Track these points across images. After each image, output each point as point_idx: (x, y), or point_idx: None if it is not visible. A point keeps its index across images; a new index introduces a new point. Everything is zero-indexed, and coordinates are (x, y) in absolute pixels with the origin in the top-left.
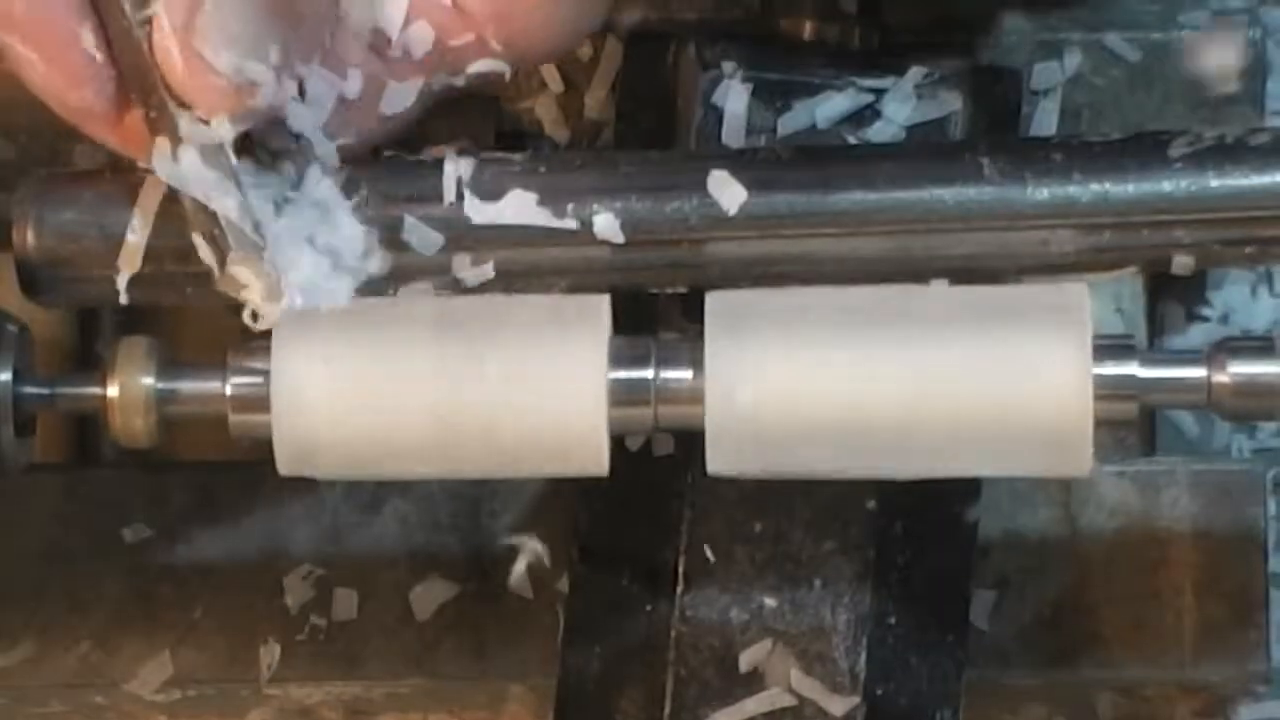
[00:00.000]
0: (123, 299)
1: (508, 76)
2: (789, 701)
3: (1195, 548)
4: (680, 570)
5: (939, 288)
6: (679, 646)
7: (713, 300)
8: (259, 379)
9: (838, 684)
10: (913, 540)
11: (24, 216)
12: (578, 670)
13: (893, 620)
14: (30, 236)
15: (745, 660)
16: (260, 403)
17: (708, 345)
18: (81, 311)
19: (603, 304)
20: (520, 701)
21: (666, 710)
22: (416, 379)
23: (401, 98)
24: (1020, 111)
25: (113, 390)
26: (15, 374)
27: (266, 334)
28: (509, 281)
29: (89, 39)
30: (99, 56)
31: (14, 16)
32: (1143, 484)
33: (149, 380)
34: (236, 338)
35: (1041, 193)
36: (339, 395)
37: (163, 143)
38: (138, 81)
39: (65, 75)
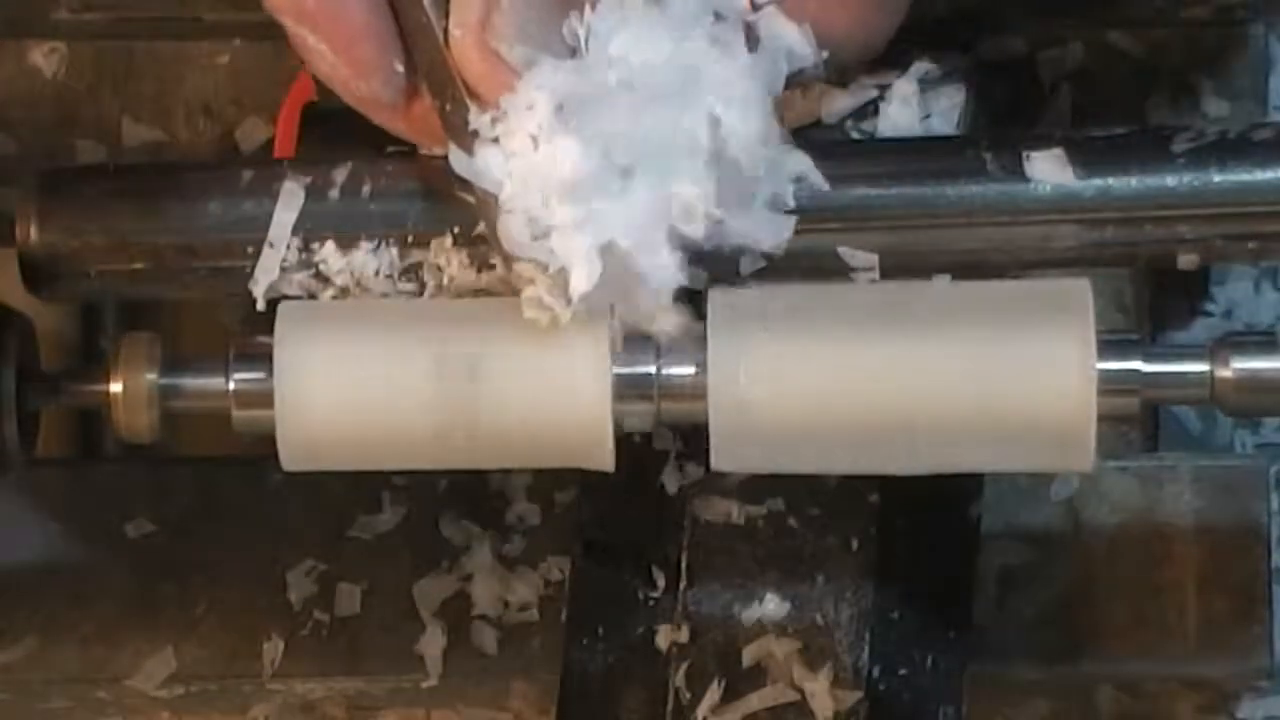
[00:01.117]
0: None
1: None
2: (792, 697)
3: (1198, 543)
4: (683, 566)
5: (941, 284)
6: (682, 642)
7: (715, 296)
8: (262, 374)
9: (841, 679)
10: (916, 535)
11: (27, 211)
12: (581, 666)
13: (896, 615)
14: (33, 231)
15: (748, 655)
16: (264, 398)
17: (710, 341)
18: (84, 306)
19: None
20: (523, 697)
21: (669, 705)
22: (419, 374)
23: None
24: (1024, 107)
25: (116, 386)
26: (19, 369)
27: (269, 330)
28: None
29: (380, 32)
30: (389, 49)
31: (307, 8)
32: (1145, 479)
33: (152, 376)
34: (239, 333)
35: (1044, 188)
36: (342, 391)
37: (458, 137)
38: (433, 75)
39: (354, 67)
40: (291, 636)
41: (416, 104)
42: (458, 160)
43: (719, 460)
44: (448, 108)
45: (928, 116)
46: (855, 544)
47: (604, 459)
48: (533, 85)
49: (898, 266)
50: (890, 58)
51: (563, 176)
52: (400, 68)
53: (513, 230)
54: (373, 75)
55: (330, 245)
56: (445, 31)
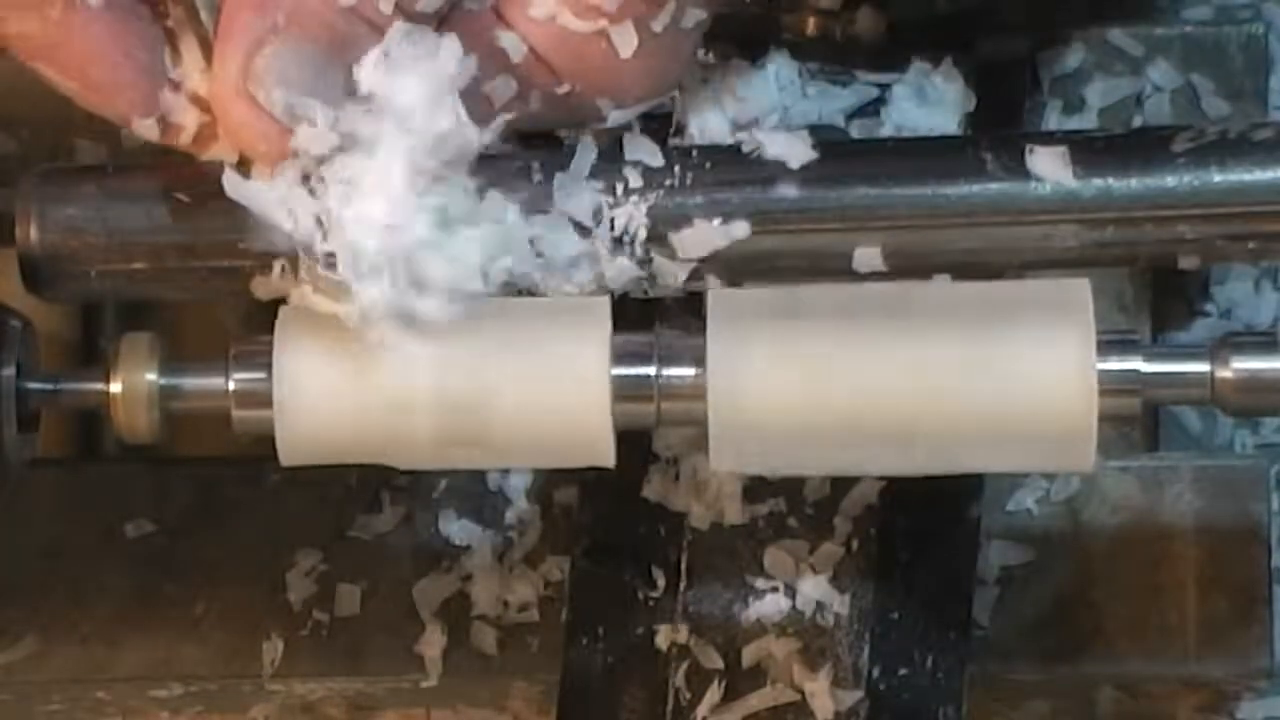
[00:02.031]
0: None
1: (606, 118)
2: (792, 697)
3: (1198, 544)
4: (683, 566)
5: (941, 284)
6: (682, 642)
7: (714, 297)
8: (262, 375)
9: (841, 679)
10: (916, 536)
11: (27, 211)
12: (581, 666)
13: (896, 616)
14: (33, 231)
15: (748, 655)
16: (263, 398)
17: (710, 341)
18: (84, 306)
19: (603, 303)
20: (523, 697)
21: (669, 706)
22: (419, 375)
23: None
24: (1024, 106)
25: (116, 386)
26: (18, 369)
27: (269, 330)
28: None
29: (111, 53)
30: (128, 67)
31: (34, 48)
32: (1146, 480)
33: (152, 376)
34: (239, 333)
35: (1044, 187)
36: (342, 392)
37: (231, 164)
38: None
39: (92, 91)
40: (291, 636)
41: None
42: (231, 186)
43: (718, 460)
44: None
45: (928, 116)
46: (855, 544)
47: (604, 458)
48: (306, 133)
49: (898, 267)
50: (890, 58)
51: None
52: (149, 86)
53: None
54: (114, 98)
55: None
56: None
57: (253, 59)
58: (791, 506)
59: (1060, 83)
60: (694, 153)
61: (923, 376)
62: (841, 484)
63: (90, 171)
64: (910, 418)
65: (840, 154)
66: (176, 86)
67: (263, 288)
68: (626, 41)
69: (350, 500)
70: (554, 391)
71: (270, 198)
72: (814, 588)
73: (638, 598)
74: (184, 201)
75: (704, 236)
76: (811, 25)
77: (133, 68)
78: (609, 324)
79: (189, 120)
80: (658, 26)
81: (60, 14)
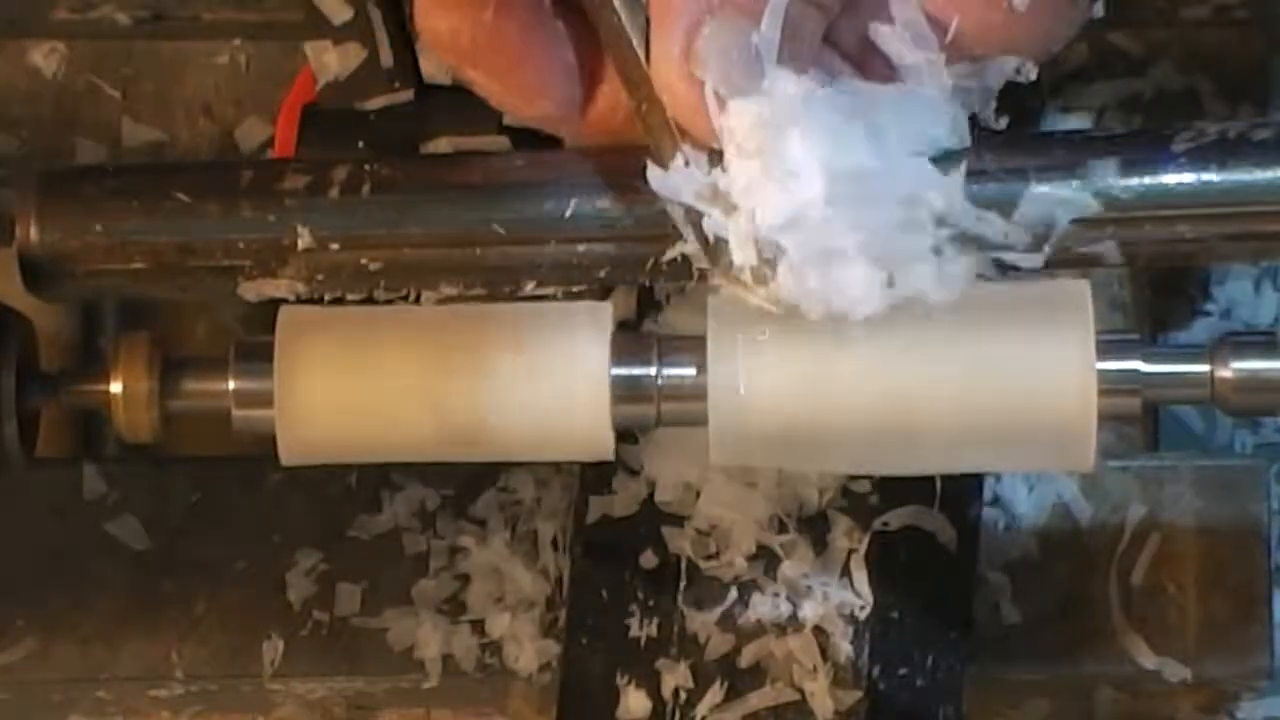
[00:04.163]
0: None
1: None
2: (792, 697)
3: (1198, 543)
4: (683, 565)
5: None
6: (682, 641)
7: (715, 299)
8: (262, 374)
9: (841, 679)
10: (915, 535)
11: (27, 211)
12: (581, 666)
13: (896, 615)
14: (33, 231)
15: (748, 655)
16: (263, 398)
17: (710, 342)
18: (84, 306)
19: (604, 305)
20: (523, 697)
21: (669, 705)
22: (419, 375)
23: None
24: (1025, 106)
25: (116, 386)
26: (18, 369)
27: (269, 330)
28: None
29: (538, 56)
30: (551, 70)
31: (462, 45)
32: (1145, 479)
33: (152, 376)
34: (239, 333)
35: (1044, 188)
36: (343, 392)
37: (657, 155)
38: (626, 74)
39: (518, 94)
40: (291, 636)
41: (591, 111)
42: (654, 175)
43: (718, 459)
44: (643, 106)
45: None
46: (855, 544)
47: (604, 456)
48: (741, 112)
49: None
50: None
51: (779, 203)
52: (569, 85)
53: (735, 249)
54: (537, 99)
55: None
56: (641, 44)
57: (693, 40)
58: (791, 507)
59: (1060, 83)
60: None
61: (922, 376)
62: (841, 484)
63: (90, 171)
64: (910, 418)
65: None
66: (594, 81)
67: (251, 290)
68: None
69: (350, 500)
70: (554, 391)
71: (689, 189)
72: (814, 588)
73: (638, 598)
74: (184, 201)
75: None
76: None
77: (558, 69)
78: (609, 324)
79: (602, 111)
80: None
81: (492, 17)
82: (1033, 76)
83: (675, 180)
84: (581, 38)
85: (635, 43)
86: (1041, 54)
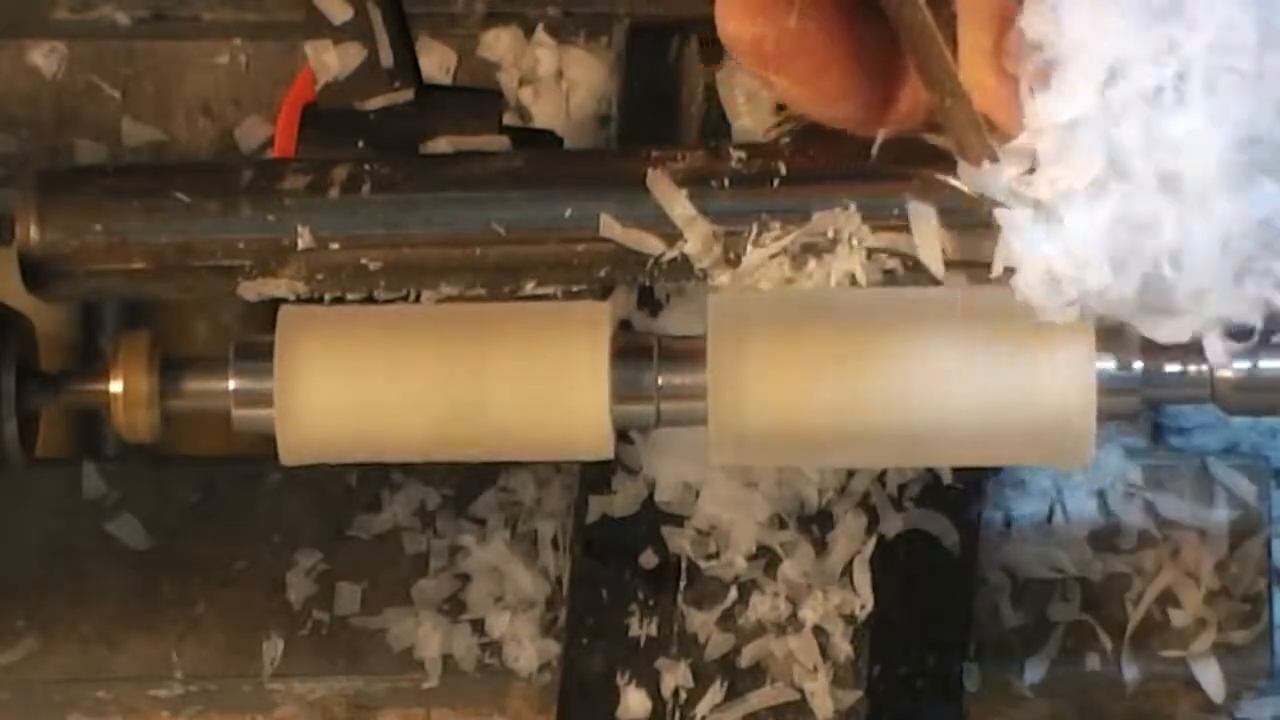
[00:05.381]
0: None
1: None
2: (792, 697)
3: (1198, 543)
4: (683, 565)
5: (941, 285)
6: (682, 641)
7: (715, 299)
8: (262, 375)
9: (841, 679)
10: (915, 535)
11: (27, 211)
12: (581, 665)
13: (896, 616)
14: (33, 231)
15: (748, 655)
16: (264, 398)
17: (710, 343)
18: (84, 306)
19: (604, 305)
20: (523, 697)
21: (669, 705)
22: (419, 375)
23: None
24: None
25: (116, 385)
26: (18, 369)
27: (269, 330)
28: None
29: (842, 59)
30: (854, 73)
31: (766, 51)
32: (1146, 479)
33: (152, 376)
34: (239, 333)
35: None
36: (343, 392)
37: (963, 152)
38: (927, 71)
39: (821, 97)
40: (291, 636)
41: (892, 111)
42: (965, 173)
43: (717, 459)
44: (947, 102)
45: None
46: (855, 544)
47: (603, 455)
48: (1055, 108)
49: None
50: None
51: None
52: (871, 87)
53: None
54: (840, 101)
55: None
56: (948, 40)
57: (1005, 34)
58: (791, 506)
59: None
60: None
61: (922, 377)
62: (842, 484)
63: (90, 171)
64: (909, 418)
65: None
66: (895, 82)
67: (251, 290)
68: None
69: (350, 500)
70: (554, 392)
71: (999, 187)
72: (814, 588)
73: (638, 598)
74: (184, 201)
75: None
76: None
77: (861, 71)
78: (609, 324)
79: (903, 111)
80: None
81: (796, 22)
82: None
83: (985, 178)
84: (881, 38)
85: (941, 39)
86: None
